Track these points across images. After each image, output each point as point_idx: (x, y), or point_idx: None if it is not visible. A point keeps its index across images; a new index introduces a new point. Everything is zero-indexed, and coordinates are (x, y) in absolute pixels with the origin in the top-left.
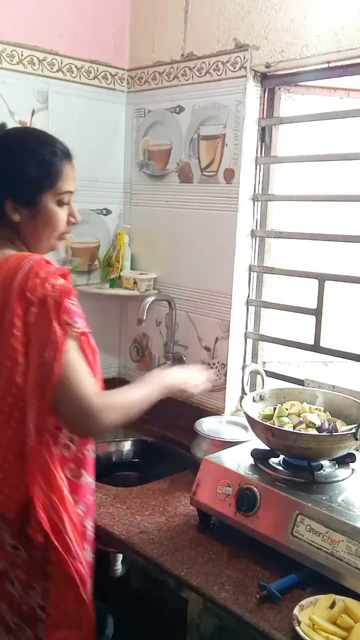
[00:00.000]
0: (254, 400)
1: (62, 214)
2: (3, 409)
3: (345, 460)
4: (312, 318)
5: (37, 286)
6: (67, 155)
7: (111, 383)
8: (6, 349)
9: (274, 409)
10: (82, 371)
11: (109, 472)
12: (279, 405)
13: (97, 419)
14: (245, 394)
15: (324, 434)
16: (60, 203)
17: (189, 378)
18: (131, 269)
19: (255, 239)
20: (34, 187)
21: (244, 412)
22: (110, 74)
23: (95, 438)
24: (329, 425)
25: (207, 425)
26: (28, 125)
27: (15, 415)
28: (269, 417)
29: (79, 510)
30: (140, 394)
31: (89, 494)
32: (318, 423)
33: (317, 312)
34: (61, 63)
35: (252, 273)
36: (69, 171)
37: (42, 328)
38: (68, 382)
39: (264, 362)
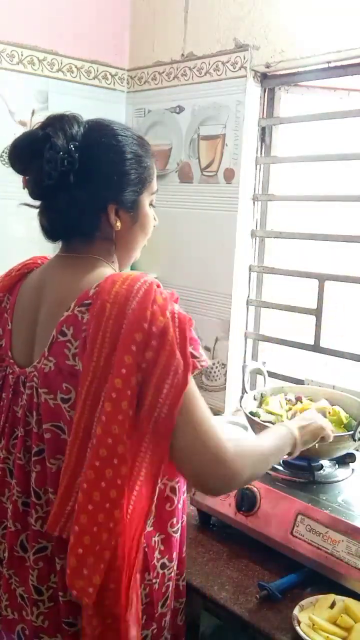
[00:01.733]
0: (254, 399)
1: (152, 216)
2: (93, 464)
3: (345, 460)
4: (312, 318)
5: (156, 315)
6: (151, 149)
7: None
8: (109, 391)
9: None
10: (208, 410)
11: None
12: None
13: (232, 469)
14: (246, 393)
15: None
16: (151, 204)
17: (323, 424)
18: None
19: (255, 239)
20: (137, 187)
21: (244, 412)
22: (110, 74)
23: (225, 492)
24: None
25: None
26: (28, 125)
27: (106, 474)
28: None
29: None
30: (271, 446)
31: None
32: None
33: (317, 312)
34: (61, 63)
35: (252, 273)
36: (155, 167)
37: (164, 364)
38: (196, 423)
39: (264, 362)
